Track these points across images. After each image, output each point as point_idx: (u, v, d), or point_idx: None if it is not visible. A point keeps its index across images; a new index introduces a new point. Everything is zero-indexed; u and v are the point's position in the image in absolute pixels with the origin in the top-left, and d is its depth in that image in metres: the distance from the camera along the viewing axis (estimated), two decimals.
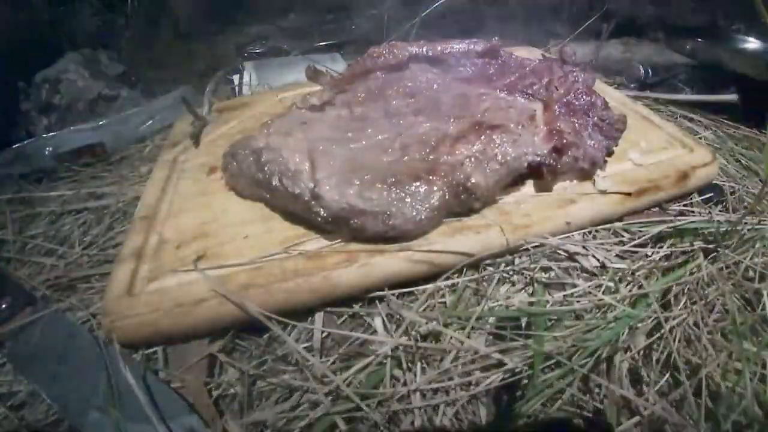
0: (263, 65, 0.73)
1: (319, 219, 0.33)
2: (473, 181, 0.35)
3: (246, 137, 0.41)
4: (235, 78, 0.70)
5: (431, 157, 0.36)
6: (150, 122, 0.61)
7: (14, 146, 0.53)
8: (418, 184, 0.34)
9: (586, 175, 0.40)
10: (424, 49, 0.50)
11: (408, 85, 0.45)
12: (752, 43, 0.62)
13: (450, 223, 0.35)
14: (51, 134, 0.56)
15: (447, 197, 0.34)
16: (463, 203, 0.35)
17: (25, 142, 0.54)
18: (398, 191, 0.33)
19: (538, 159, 0.38)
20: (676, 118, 0.59)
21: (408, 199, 0.33)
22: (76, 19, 0.75)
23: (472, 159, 0.36)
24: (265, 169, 0.36)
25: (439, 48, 0.51)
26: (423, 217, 0.33)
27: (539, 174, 0.38)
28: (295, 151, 0.37)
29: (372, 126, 0.40)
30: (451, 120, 0.40)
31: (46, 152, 0.54)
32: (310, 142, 0.38)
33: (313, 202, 0.33)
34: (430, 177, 0.34)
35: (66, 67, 0.63)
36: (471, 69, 0.50)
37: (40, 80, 0.61)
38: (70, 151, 0.55)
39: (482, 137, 0.37)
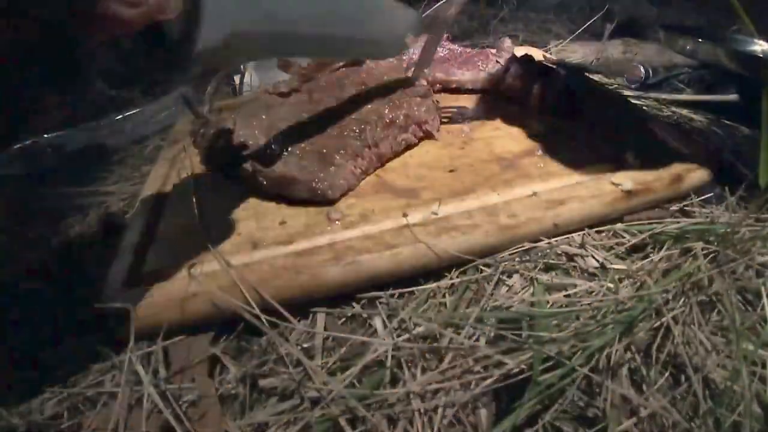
0: (263, 65, 0.73)
1: (264, 185, 0.40)
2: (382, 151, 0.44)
3: (218, 118, 0.47)
4: (236, 78, 0.70)
5: (361, 136, 0.43)
6: (150, 122, 0.61)
7: (15, 146, 0.53)
8: (340, 157, 0.41)
9: None
10: None
11: (363, 76, 0.51)
12: (752, 43, 0.62)
13: (437, 223, 0.35)
14: (52, 134, 0.56)
15: (360, 170, 0.42)
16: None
17: (26, 142, 0.54)
18: (325, 163, 0.40)
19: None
20: (677, 118, 0.59)
21: (332, 169, 0.40)
22: None
23: (390, 137, 0.45)
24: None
25: None
26: (339, 186, 0.40)
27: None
28: (255, 129, 0.43)
29: (324, 109, 0.47)
30: (390, 103, 0.47)
31: (47, 152, 0.54)
32: (270, 123, 0.44)
33: (257, 172, 0.40)
34: (349, 150, 0.41)
35: None
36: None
37: None
38: (72, 151, 0.55)
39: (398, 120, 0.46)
